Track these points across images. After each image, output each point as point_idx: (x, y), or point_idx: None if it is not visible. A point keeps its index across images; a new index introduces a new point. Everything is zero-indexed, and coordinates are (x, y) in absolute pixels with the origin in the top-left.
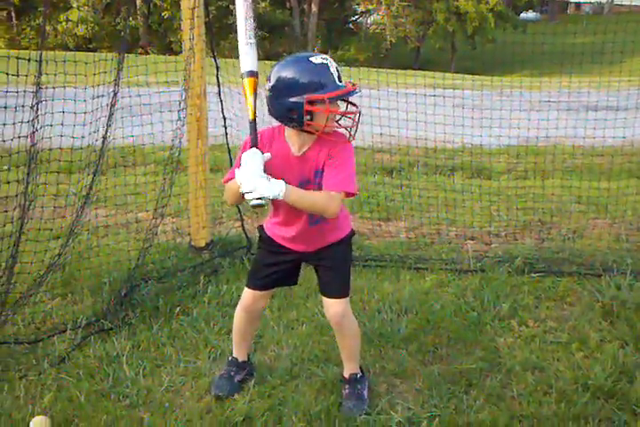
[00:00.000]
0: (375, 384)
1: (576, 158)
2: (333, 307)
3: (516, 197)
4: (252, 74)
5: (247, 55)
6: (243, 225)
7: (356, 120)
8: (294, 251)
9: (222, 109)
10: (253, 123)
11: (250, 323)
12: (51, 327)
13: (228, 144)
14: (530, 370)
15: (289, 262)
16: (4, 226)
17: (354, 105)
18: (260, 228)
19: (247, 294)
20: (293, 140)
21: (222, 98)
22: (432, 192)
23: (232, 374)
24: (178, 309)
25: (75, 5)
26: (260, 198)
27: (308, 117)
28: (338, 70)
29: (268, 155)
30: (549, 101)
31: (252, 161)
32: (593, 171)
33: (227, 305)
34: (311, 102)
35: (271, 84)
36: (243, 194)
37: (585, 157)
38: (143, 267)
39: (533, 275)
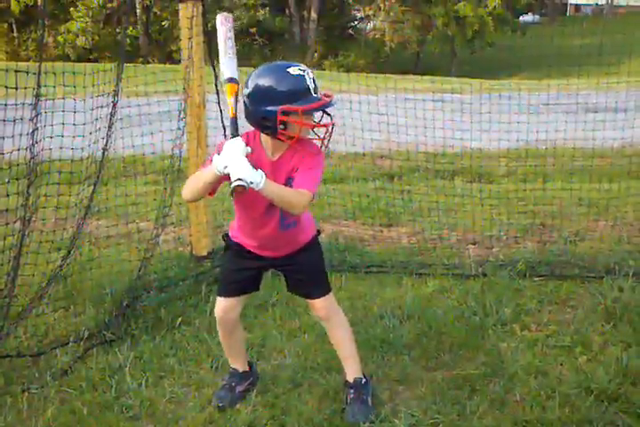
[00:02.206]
0: (378, 391)
1: (577, 160)
2: (318, 304)
3: (517, 201)
4: (232, 80)
5: (226, 65)
6: None
7: (330, 131)
8: (262, 257)
9: (222, 118)
10: (234, 119)
11: (229, 334)
12: (53, 340)
13: None
14: (533, 374)
15: (255, 269)
16: (5, 239)
17: (329, 115)
18: (226, 236)
19: (218, 303)
20: (268, 145)
21: (222, 107)
22: (433, 197)
23: (233, 384)
24: (180, 319)
25: (75, 16)
26: (242, 179)
27: (282, 127)
28: (314, 82)
29: (249, 148)
30: (549, 104)
31: (236, 147)
32: (594, 173)
33: None
34: (285, 113)
35: (248, 90)
36: (207, 184)
37: (585, 159)
38: (145, 277)
39: (535, 279)
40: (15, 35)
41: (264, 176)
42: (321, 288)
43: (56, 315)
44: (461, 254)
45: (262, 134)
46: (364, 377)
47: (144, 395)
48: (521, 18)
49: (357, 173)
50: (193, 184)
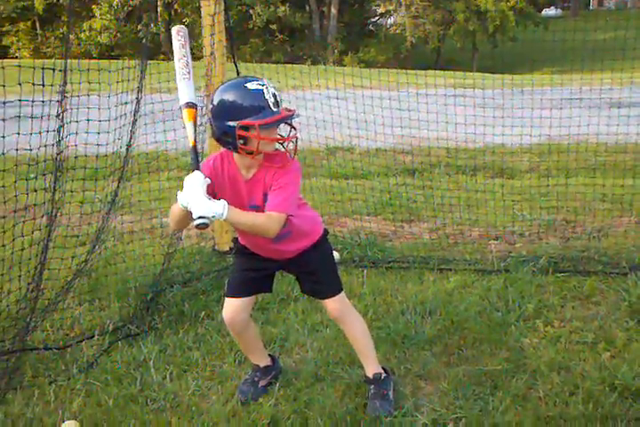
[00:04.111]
0: (400, 386)
1: (600, 156)
2: (330, 304)
3: (539, 196)
4: (189, 105)
5: (183, 89)
6: None
7: (295, 144)
8: (270, 259)
9: None
10: (194, 147)
11: (240, 334)
12: (79, 333)
13: None
14: (556, 370)
15: (264, 270)
16: (32, 233)
17: (293, 128)
18: (235, 238)
19: (227, 304)
20: (242, 164)
21: None
22: (454, 192)
23: (256, 379)
24: (203, 313)
25: (97, 14)
26: (203, 217)
27: (242, 142)
28: (275, 96)
29: (207, 180)
30: (571, 99)
31: (194, 182)
32: (617, 168)
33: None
34: (244, 128)
35: (211, 106)
36: (182, 217)
37: (609, 155)
38: (168, 272)
39: (558, 274)
40: (38, 32)
41: (226, 207)
42: (331, 288)
43: (81, 309)
44: (483, 250)
45: (234, 153)
46: (385, 372)
47: (168, 388)
48: (543, 12)
49: (379, 168)
50: (172, 217)
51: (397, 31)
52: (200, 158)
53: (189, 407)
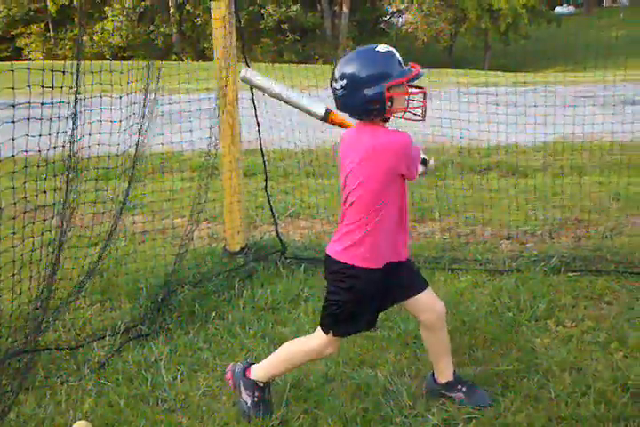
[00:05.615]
0: (411, 387)
1: (614, 154)
2: (438, 300)
3: (552, 195)
4: (329, 109)
5: (310, 103)
6: (277, 229)
7: (425, 100)
8: (385, 270)
9: (256, 115)
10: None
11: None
12: (90, 333)
13: (261, 149)
14: (567, 371)
15: (384, 288)
16: (42, 234)
17: (418, 87)
18: (347, 267)
19: (334, 342)
20: None
21: (255, 103)
22: (467, 192)
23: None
24: (214, 313)
25: (109, 15)
26: None
27: (390, 104)
28: (399, 56)
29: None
30: (585, 96)
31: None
32: (631, 167)
33: (261, 309)
34: (390, 89)
35: (343, 81)
36: None
37: (623, 153)
38: (179, 272)
39: (570, 274)
40: (51, 34)
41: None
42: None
43: (93, 309)
44: (495, 250)
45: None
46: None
47: (179, 388)
48: (556, 9)
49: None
50: None
51: (409, 30)
52: None
53: (200, 408)
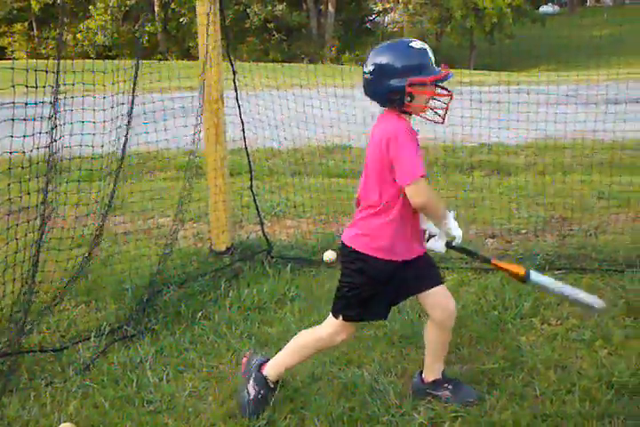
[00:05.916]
0: (398, 386)
1: (597, 153)
2: (451, 298)
3: (536, 194)
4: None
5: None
6: (263, 229)
7: (448, 103)
8: (404, 264)
9: (240, 114)
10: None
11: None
12: (75, 335)
13: (246, 148)
14: (552, 368)
15: (401, 279)
16: (26, 236)
17: (445, 89)
18: (371, 258)
19: (348, 327)
20: None
21: (240, 102)
22: (451, 191)
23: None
24: (200, 314)
25: (94, 14)
26: None
27: (409, 99)
28: (433, 56)
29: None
30: (568, 95)
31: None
32: (614, 165)
33: (248, 309)
34: (412, 85)
35: (372, 67)
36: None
37: (606, 152)
38: (164, 272)
39: (555, 272)
40: (35, 33)
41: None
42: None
43: (77, 310)
44: (480, 248)
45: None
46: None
47: (165, 389)
48: (540, 9)
49: None
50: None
51: (395, 29)
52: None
53: (186, 409)
